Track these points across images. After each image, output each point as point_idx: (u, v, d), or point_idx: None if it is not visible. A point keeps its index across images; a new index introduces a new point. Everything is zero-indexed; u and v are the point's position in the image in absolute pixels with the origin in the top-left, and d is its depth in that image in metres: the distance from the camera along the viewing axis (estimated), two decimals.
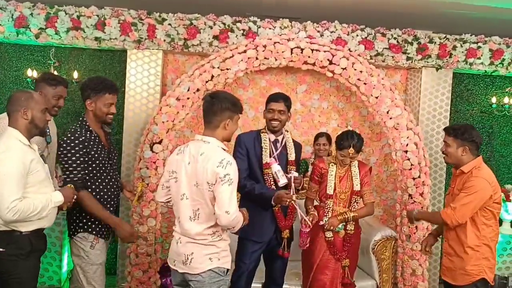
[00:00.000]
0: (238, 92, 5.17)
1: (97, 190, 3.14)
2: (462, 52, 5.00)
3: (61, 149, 3.04)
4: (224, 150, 2.75)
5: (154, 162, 4.50)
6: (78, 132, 3.07)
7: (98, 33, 4.67)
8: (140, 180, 4.40)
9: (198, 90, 4.52)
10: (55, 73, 4.88)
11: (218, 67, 4.53)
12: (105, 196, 3.17)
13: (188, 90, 4.51)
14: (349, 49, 4.82)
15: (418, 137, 4.69)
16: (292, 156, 3.57)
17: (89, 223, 3.12)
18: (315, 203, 3.76)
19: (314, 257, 3.63)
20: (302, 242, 3.43)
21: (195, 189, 2.68)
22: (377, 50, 4.89)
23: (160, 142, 4.50)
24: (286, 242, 3.55)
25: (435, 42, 4.95)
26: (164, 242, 4.97)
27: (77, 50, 5.04)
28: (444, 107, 5.13)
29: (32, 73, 4.82)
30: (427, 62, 5.01)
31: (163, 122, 4.49)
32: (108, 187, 3.18)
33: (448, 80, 5.13)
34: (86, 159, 3.05)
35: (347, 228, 3.60)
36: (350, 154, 3.53)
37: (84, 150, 3.03)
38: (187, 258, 2.72)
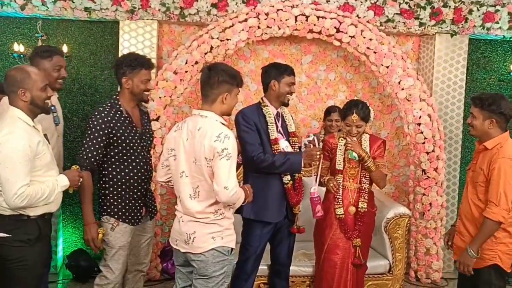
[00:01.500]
0: (239, 64, 5.19)
1: (123, 173, 3.20)
2: (479, 16, 4.99)
3: (87, 125, 3.14)
4: (223, 124, 2.79)
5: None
6: (106, 112, 3.13)
7: (87, 3, 4.66)
8: None
9: (196, 62, 4.54)
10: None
11: (217, 38, 4.54)
12: (131, 181, 3.22)
13: (186, 63, 4.54)
14: (357, 16, 4.82)
15: (432, 108, 4.73)
16: (292, 127, 3.65)
17: (112, 206, 3.21)
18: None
19: (325, 236, 3.69)
20: (316, 210, 3.50)
21: (194, 166, 2.75)
22: (387, 16, 4.89)
23: (157, 119, 4.54)
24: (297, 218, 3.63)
25: (450, 6, 4.94)
26: (164, 225, 5.05)
27: (66, 22, 5.03)
28: (459, 76, 5.16)
29: (18, 47, 4.83)
30: (441, 28, 5.01)
31: (160, 97, 4.53)
32: (136, 170, 3.22)
33: (463, 47, 5.14)
34: (110, 140, 3.12)
35: (359, 206, 3.67)
36: (355, 121, 3.56)
37: (107, 131, 3.10)
38: (189, 237, 2.79)
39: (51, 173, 2.84)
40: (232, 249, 2.88)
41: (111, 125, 3.11)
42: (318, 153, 3.40)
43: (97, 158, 3.12)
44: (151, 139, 3.41)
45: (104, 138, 3.10)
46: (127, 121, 3.19)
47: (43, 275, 3.00)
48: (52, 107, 3.35)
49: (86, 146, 3.10)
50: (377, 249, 4.30)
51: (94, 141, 3.09)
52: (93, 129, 3.09)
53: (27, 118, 2.76)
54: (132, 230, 3.29)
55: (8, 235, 2.73)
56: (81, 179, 2.95)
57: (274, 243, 3.73)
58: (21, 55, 4.82)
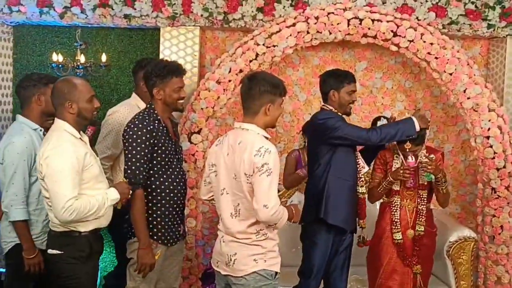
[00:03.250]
0: (287, 72, 5.25)
1: (162, 187, 3.21)
2: None
3: (125, 139, 3.12)
4: (266, 138, 2.83)
5: (193, 155, 4.65)
6: (147, 121, 3.14)
7: (127, 9, 4.85)
8: None
9: (241, 71, 4.61)
10: (82, 56, 5.12)
11: (263, 44, 4.60)
12: (171, 195, 3.25)
13: (230, 71, 4.62)
14: (416, 18, 4.79)
15: (503, 119, 4.62)
16: None
17: (150, 226, 3.20)
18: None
19: (381, 260, 3.68)
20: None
21: (234, 182, 2.80)
22: (450, 18, 4.83)
23: (199, 132, 4.64)
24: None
25: None
26: (206, 245, 5.13)
27: (105, 30, 5.24)
28: None
29: (57, 57, 5.06)
30: None
31: (202, 108, 4.63)
32: (175, 184, 3.26)
33: None
34: (153, 152, 3.13)
35: (417, 229, 3.64)
36: (408, 150, 3.57)
37: (151, 141, 3.11)
38: (230, 259, 2.84)
39: (100, 185, 2.97)
40: (276, 273, 2.89)
41: (154, 134, 3.12)
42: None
43: (145, 172, 3.12)
44: (182, 151, 3.47)
45: (150, 149, 3.10)
46: (165, 132, 3.22)
47: None
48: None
49: (133, 160, 3.08)
50: (439, 276, 4.23)
51: (142, 153, 3.08)
52: (138, 140, 3.07)
53: (73, 130, 2.91)
54: (163, 253, 3.28)
55: (60, 252, 2.89)
56: (130, 192, 3.03)
57: (331, 266, 3.74)
58: (60, 65, 5.05)
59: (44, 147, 2.84)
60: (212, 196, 3.04)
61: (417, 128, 3.52)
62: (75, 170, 2.80)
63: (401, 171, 3.57)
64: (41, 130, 3.35)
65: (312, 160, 3.71)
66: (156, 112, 3.21)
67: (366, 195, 3.76)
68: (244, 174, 2.76)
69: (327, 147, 3.58)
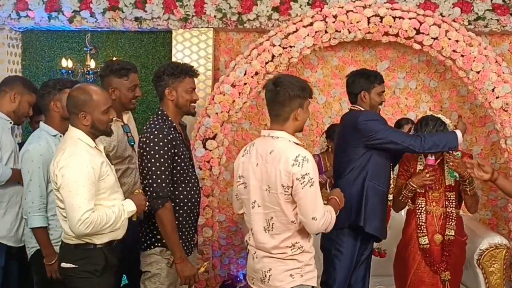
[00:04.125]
0: (305, 73, 5.25)
1: (181, 197, 3.20)
2: None
3: (145, 152, 3.07)
4: (297, 144, 2.81)
5: (208, 162, 4.68)
6: (166, 129, 3.10)
7: (138, 12, 4.91)
8: None
9: (256, 73, 4.64)
10: (92, 62, 5.19)
11: (279, 45, 4.62)
12: (189, 204, 3.24)
13: (245, 74, 4.64)
14: (440, 14, 4.77)
15: None
16: None
17: None
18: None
19: (408, 269, 3.65)
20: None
21: (267, 194, 2.77)
22: (477, 13, 4.81)
23: (214, 138, 4.66)
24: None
25: None
26: (223, 256, 5.15)
27: (115, 34, 5.31)
28: None
29: (67, 63, 5.14)
30: None
31: (216, 113, 4.65)
32: (192, 192, 3.25)
33: None
34: (173, 162, 3.11)
35: (446, 234, 3.61)
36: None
37: (172, 151, 3.09)
38: (265, 276, 2.82)
39: (116, 196, 2.97)
40: (313, 287, 2.89)
41: (174, 143, 3.10)
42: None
43: (171, 184, 3.10)
44: (192, 157, 3.46)
45: (172, 159, 3.08)
46: (180, 138, 3.21)
47: None
48: (126, 128, 3.51)
49: (158, 172, 3.04)
50: (469, 286, 4.19)
51: (166, 165, 3.05)
52: (160, 152, 3.04)
53: (88, 139, 2.91)
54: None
55: (74, 266, 2.90)
56: (147, 204, 3.02)
57: (352, 277, 3.71)
58: (70, 71, 5.12)
59: (59, 156, 2.85)
60: None
61: (460, 140, 3.48)
62: (91, 180, 2.80)
63: (425, 174, 3.54)
64: (60, 136, 3.41)
65: (342, 163, 3.66)
66: (170, 118, 3.19)
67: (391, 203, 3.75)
68: (281, 186, 2.71)
69: (363, 150, 3.54)
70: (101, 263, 2.92)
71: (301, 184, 2.67)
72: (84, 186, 2.77)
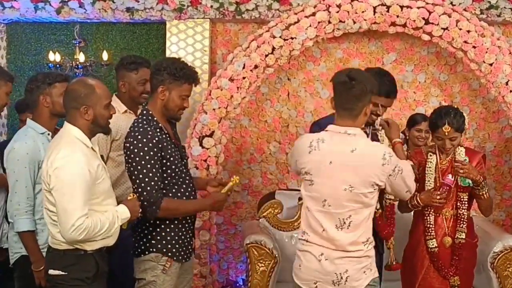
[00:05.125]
0: (307, 66, 5.24)
1: (174, 198, 3.20)
2: None
3: (130, 158, 3.07)
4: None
5: (205, 161, 4.66)
6: (150, 132, 3.08)
7: (130, 2, 4.88)
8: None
9: (256, 67, 4.62)
10: (81, 55, 5.17)
11: (280, 37, 4.61)
12: None
13: (244, 67, 4.63)
14: (451, 3, 4.74)
15: None
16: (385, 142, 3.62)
17: (164, 242, 3.15)
18: None
19: (416, 274, 3.63)
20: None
21: (348, 193, 2.82)
22: (489, 2, 4.79)
23: (211, 135, 4.65)
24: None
25: None
26: (222, 261, 5.13)
27: (106, 26, 5.29)
28: None
29: (54, 56, 5.11)
30: None
31: (213, 109, 4.64)
32: (187, 194, 3.24)
33: None
34: (162, 165, 3.10)
35: (457, 237, 3.59)
36: (447, 134, 3.49)
37: (159, 154, 3.08)
38: (341, 277, 2.86)
39: (109, 201, 2.94)
40: (378, 277, 3.01)
41: (160, 145, 3.08)
42: None
43: (161, 188, 3.09)
44: (186, 156, 3.44)
45: (159, 162, 3.07)
46: (168, 139, 3.18)
47: None
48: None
49: (147, 179, 3.02)
50: None
51: (154, 170, 3.04)
52: (146, 157, 3.03)
53: (85, 138, 2.87)
54: (178, 270, 3.23)
55: (63, 273, 2.87)
56: (140, 211, 3.00)
57: None
58: (57, 65, 5.10)
59: (53, 155, 2.79)
60: None
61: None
62: (87, 184, 2.76)
63: (436, 196, 3.46)
64: (49, 134, 3.38)
65: None
66: (156, 118, 3.16)
67: (396, 203, 3.69)
68: (371, 185, 2.83)
69: None
70: (92, 270, 2.90)
71: (393, 177, 2.86)
72: (80, 190, 2.73)
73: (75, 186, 2.73)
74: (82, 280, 2.87)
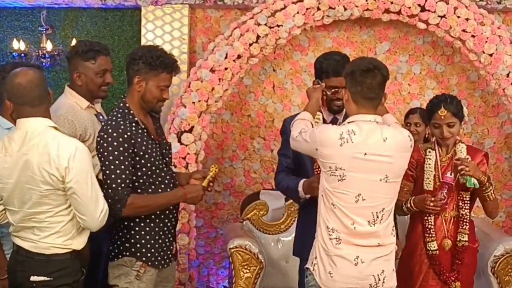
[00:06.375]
0: (294, 56, 5.22)
1: None
2: None
3: (99, 153, 3.08)
4: None
5: (184, 158, 4.64)
6: (122, 126, 3.08)
7: None
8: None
9: (239, 57, 4.60)
10: (48, 43, 5.09)
11: (265, 24, 4.59)
12: (164, 208, 3.24)
13: (226, 57, 4.60)
14: None
15: None
16: None
17: (138, 245, 3.14)
18: None
19: (413, 279, 3.64)
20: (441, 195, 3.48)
21: (382, 185, 2.94)
22: None
23: (190, 131, 4.62)
24: None
25: None
26: (201, 266, 5.10)
27: (75, 11, 5.22)
28: None
29: (18, 44, 5.04)
30: None
31: (193, 102, 4.61)
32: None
33: None
34: (135, 163, 3.09)
35: (458, 240, 3.59)
36: (443, 118, 3.49)
37: (130, 150, 3.07)
38: (379, 279, 2.96)
39: None
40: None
41: (132, 141, 3.07)
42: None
43: (129, 187, 3.08)
44: (170, 150, 3.42)
45: (130, 159, 3.07)
46: (145, 135, 3.17)
47: None
48: (101, 117, 3.52)
49: (113, 176, 3.03)
50: None
51: (123, 167, 3.04)
52: (115, 152, 3.03)
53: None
54: (156, 277, 3.22)
55: (48, 278, 2.86)
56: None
57: None
58: (22, 54, 5.02)
59: (62, 149, 2.81)
60: None
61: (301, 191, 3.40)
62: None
63: (429, 202, 3.43)
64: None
65: None
66: (132, 112, 3.14)
67: None
68: (405, 171, 3.05)
69: None
70: (78, 274, 2.94)
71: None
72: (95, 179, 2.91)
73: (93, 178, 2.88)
74: (69, 285, 2.90)
